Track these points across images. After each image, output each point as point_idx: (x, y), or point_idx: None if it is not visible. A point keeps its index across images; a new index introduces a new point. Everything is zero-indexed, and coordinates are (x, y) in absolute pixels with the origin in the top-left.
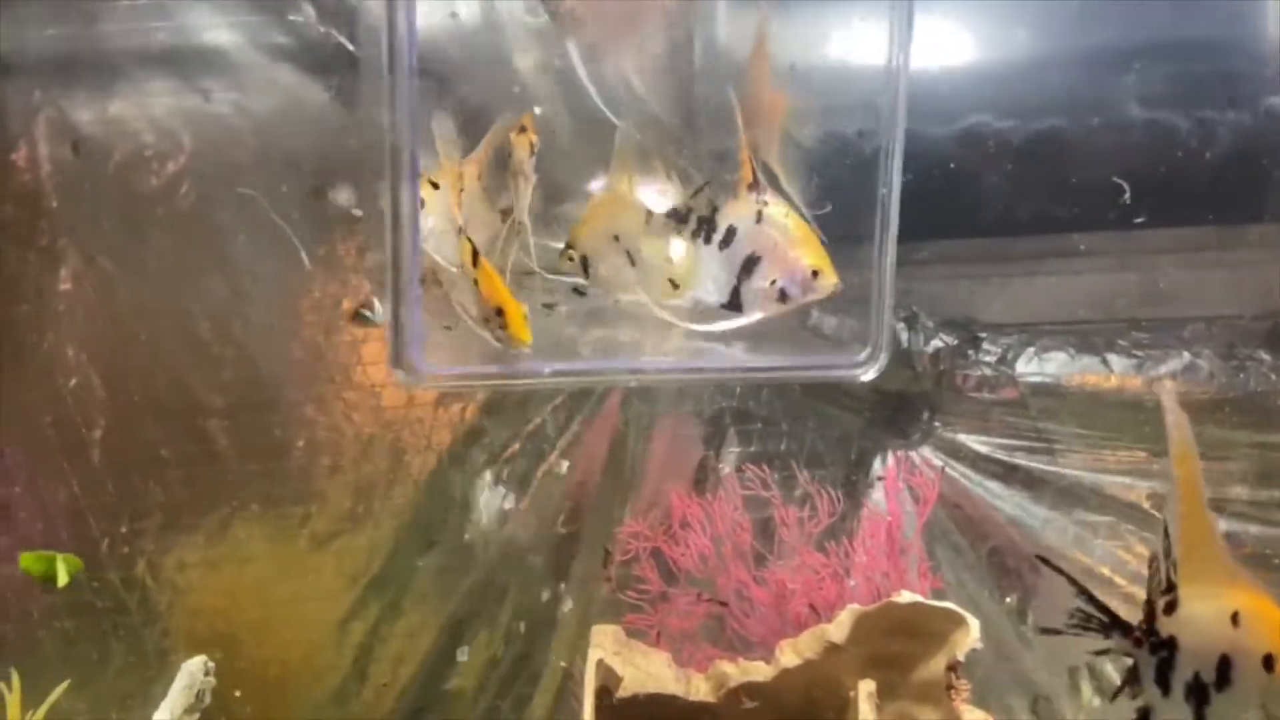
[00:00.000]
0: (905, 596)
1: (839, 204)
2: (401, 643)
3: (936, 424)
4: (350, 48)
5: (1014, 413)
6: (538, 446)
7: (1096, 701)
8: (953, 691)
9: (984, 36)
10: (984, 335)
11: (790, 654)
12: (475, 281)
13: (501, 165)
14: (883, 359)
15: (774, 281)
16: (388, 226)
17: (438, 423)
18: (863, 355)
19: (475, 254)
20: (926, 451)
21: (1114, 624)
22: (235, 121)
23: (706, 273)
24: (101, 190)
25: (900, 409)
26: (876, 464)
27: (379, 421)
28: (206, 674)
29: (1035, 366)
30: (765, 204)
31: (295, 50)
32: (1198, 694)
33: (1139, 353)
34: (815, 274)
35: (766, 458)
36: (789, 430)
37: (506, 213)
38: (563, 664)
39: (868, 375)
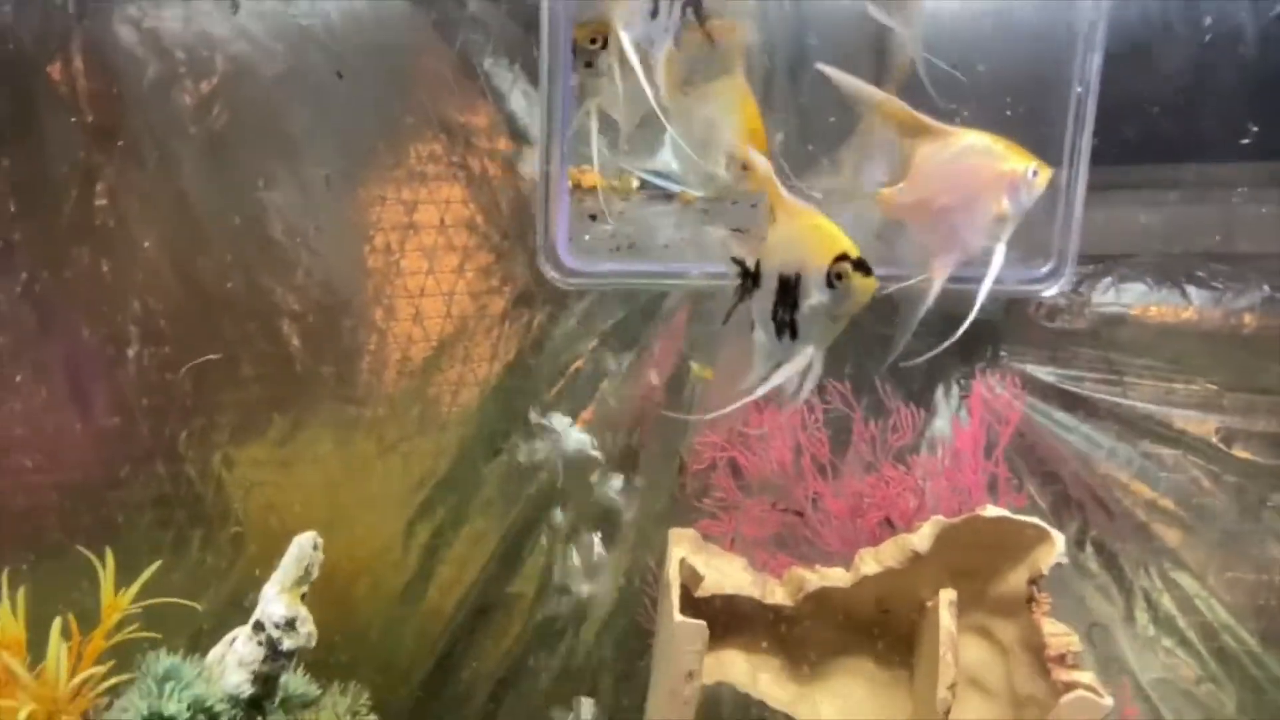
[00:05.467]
0: (990, 510)
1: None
2: (466, 546)
3: (1003, 353)
4: None
5: (1083, 343)
6: (603, 359)
7: (1152, 630)
8: (1034, 605)
9: None
10: None
11: (871, 562)
12: None
13: None
14: (1069, 273)
15: None
16: (541, 113)
17: (506, 333)
18: (1045, 269)
19: None
20: (993, 379)
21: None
22: (310, 23)
23: None
24: (176, 91)
25: (966, 337)
26: (953, 388)
27: (448, 329)
28: (315, 548)
29: (1111, 296)
30: None
31: None
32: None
33: (1218, 285)
34: None
35: (832, 378)
36: (853, 355)
37: None
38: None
39: (1050, 291)
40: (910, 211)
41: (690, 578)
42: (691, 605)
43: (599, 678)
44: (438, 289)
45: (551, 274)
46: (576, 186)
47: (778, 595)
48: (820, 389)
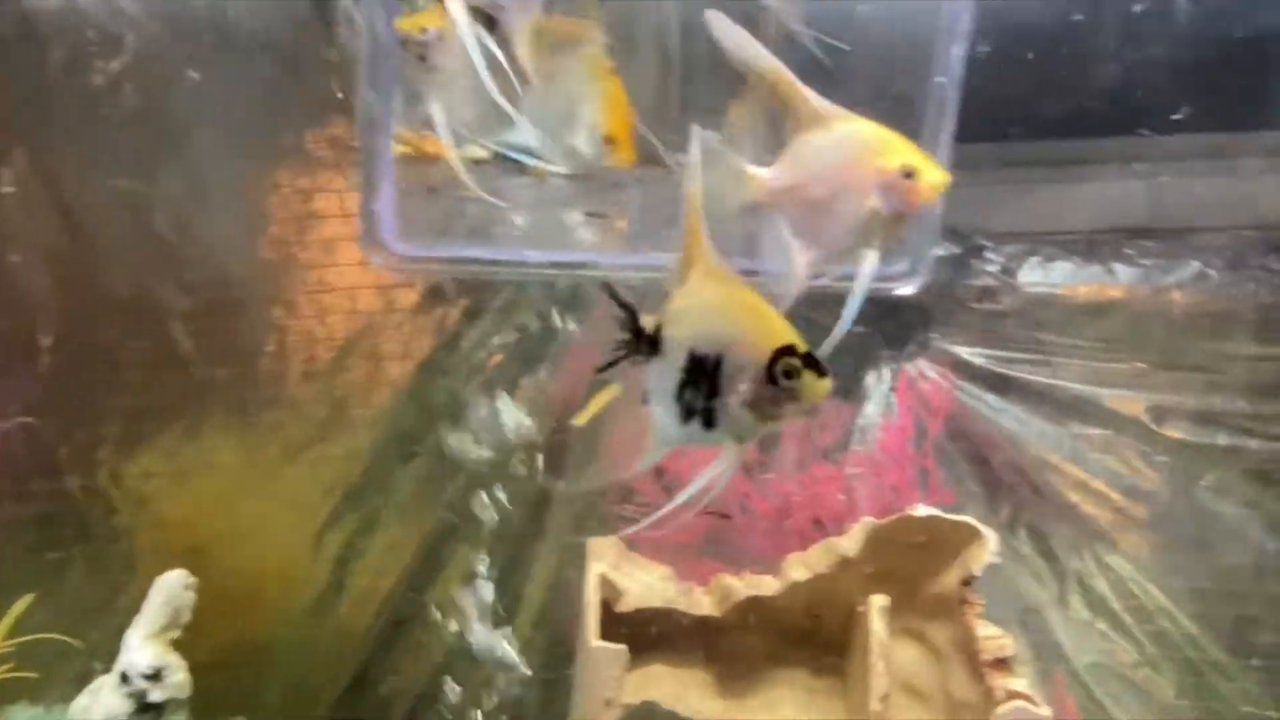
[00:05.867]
0: (921, 510)
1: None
2: (381, 555)
3: (933, 335)
4: None
5: (1013, 324)
6: (523, 354)
7: (1086, 614)
8: (966, 606)
9: None
10: (987, 244)
11: (799, 568)
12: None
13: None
14: (925, 273)
15: None
16: (363, 78)
17: (417, 328)
18: (899, 267)
19: None
20: (923, 364)
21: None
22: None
23: None
24: (51, 82)
25: (896, 320)
26: (883, 374)
27: (354, 326)
28: (186, 588)
29: (1039, 276)
30: None
31: None
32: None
33: (1146, 262)
34: None
35: None
36: None
37: None
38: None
39: (905, 290)
40: (781, 198)
41: (609, 592)
42: (614, 620)
43: (524, 694)
44: (341, 282)
45: (376, 260)
46: (419, 154)
47: (704, 606)
48: None
